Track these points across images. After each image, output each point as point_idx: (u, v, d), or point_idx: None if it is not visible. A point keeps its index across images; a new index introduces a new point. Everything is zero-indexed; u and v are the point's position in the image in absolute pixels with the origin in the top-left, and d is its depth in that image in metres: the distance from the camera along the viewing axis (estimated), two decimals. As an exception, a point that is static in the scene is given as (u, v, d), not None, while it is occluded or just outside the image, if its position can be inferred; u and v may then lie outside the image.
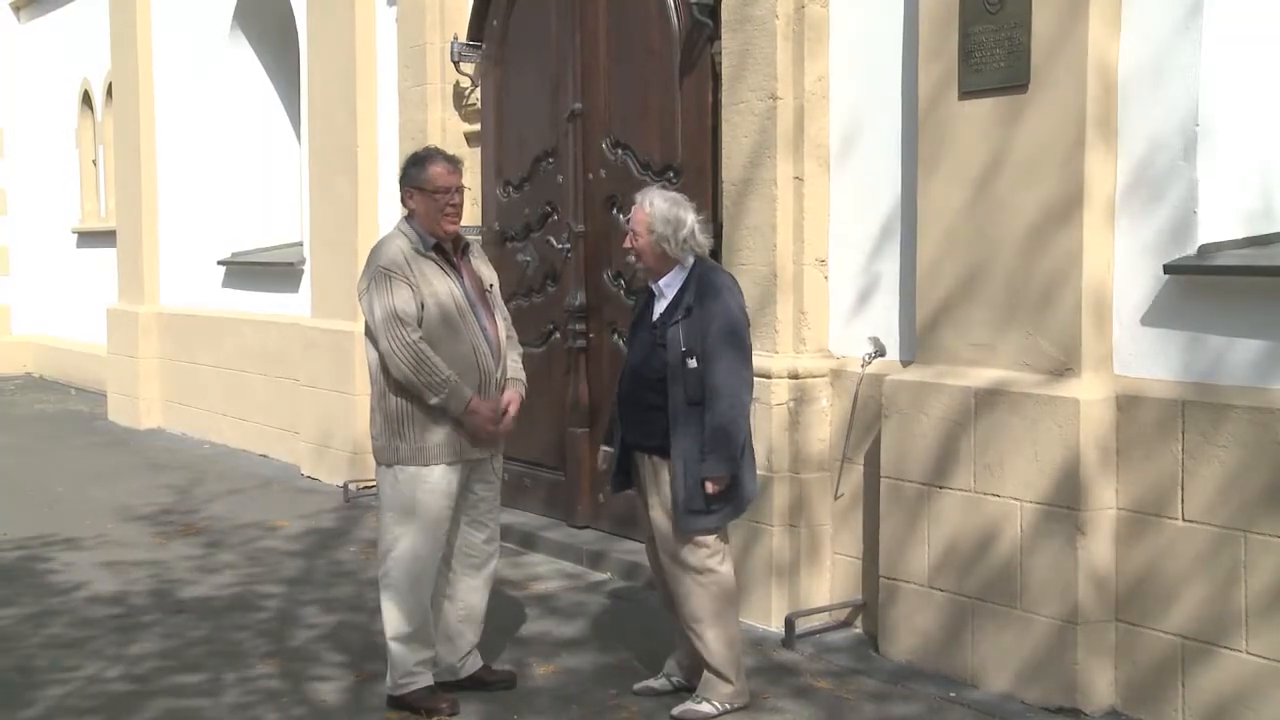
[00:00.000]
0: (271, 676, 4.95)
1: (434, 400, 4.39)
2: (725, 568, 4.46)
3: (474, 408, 4.43)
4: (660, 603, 4.75)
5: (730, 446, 4.28)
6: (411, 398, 4.42)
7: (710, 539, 4.41)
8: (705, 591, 4.42)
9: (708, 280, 4.40)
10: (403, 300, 4.39)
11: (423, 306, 4.41)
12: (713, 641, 4.43)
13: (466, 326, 4.49)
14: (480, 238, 7.50)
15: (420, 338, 4.37)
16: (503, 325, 4.69)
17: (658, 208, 4.42)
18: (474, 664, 4.76)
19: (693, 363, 4.31)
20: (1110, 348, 4.41)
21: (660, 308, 4.47)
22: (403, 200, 4.62)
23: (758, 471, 5.23)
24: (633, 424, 4.52)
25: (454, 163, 4.64)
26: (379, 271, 4.44)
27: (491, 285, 4.73)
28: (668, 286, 4.46)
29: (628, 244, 4.52)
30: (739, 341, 4.35)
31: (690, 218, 4.42)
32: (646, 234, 4.42)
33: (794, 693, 4.71)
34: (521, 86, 7.31)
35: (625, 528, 6.54)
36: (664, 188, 4.70)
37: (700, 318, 4.33)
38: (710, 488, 4.31)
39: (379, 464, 4.58)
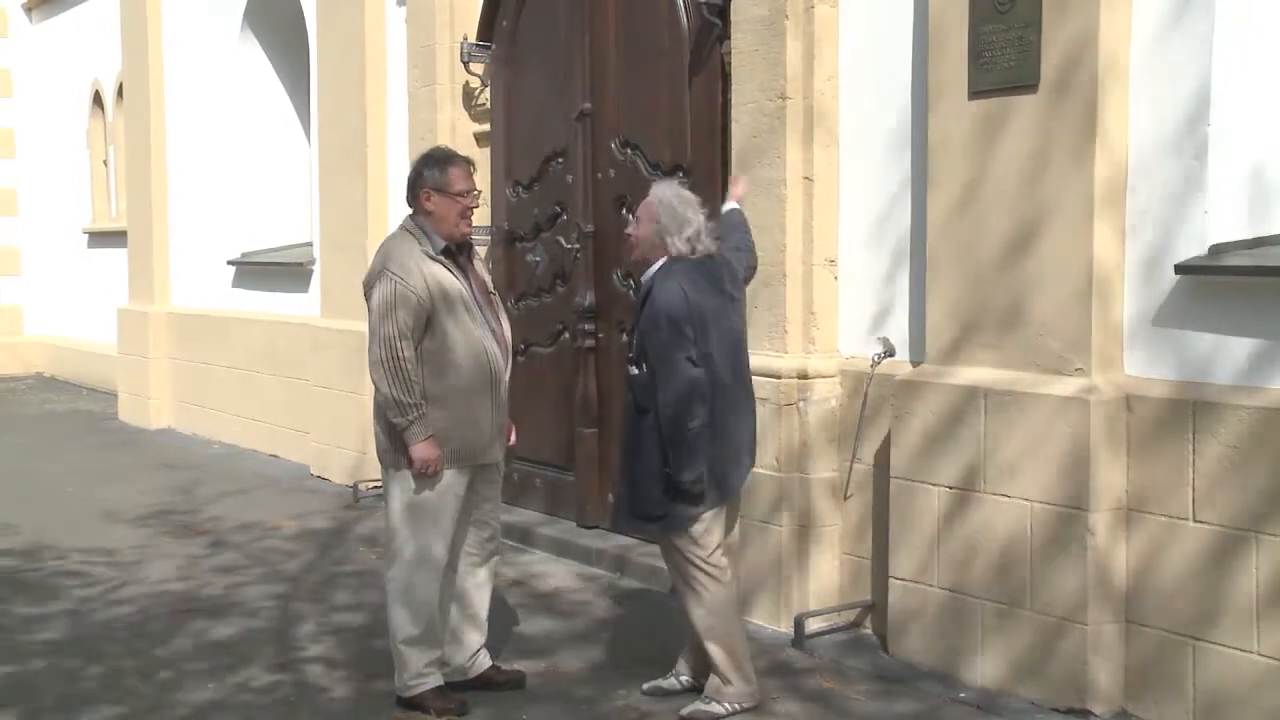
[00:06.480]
0: (279, 676, 4.96)
1: (398, 419, 4.36)
2: (717, 566, 4.41)
3: (424, 448, 4.37)
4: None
5: (678, 453, 4.22)
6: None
7: (687, 540, 4.37)
8: (697, 591, 4.40)
9: (654, 284, 4.34)
10: (406, 311, 4.35)
11: (434, 310, 4.39)
12: (710, 642, 4.42)
13: (478, 328, 4.50)
14: (490, 238, 7.52)
15: (414, 355, 4.35)
16: (508, 327, 4.70)
17: (666, 199, 4.43)
18: (483, 664, 4.77)
19: (633, 370, 4.35)
20: (1120, 348, 4.40)
21: None
22: (417, 202, 4.54)
23: (766, 473, 5.28)
24: None
25: (470, 164, 4.65)
26: (387, 276, 4.40)
27: (493, 290, 4.75)
28: (645, 281, 4.45)
29: (629, 230, 4.55)
30: (665, 350, 4.23)
31: (699, 219, 4.40)
32: (649, 221, 4.42)
33: (803, 693, 4.71)
34: (531, 87, 7.32)
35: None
36: (682, 184, 4.69)
37: (639, 327, 4.35)
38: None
39: (385, 467, 4.57)
